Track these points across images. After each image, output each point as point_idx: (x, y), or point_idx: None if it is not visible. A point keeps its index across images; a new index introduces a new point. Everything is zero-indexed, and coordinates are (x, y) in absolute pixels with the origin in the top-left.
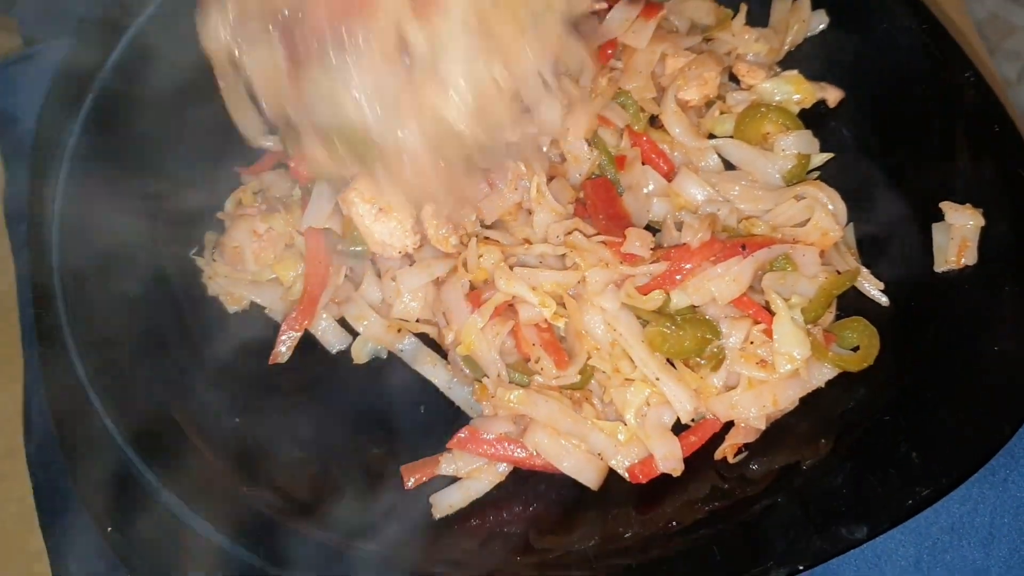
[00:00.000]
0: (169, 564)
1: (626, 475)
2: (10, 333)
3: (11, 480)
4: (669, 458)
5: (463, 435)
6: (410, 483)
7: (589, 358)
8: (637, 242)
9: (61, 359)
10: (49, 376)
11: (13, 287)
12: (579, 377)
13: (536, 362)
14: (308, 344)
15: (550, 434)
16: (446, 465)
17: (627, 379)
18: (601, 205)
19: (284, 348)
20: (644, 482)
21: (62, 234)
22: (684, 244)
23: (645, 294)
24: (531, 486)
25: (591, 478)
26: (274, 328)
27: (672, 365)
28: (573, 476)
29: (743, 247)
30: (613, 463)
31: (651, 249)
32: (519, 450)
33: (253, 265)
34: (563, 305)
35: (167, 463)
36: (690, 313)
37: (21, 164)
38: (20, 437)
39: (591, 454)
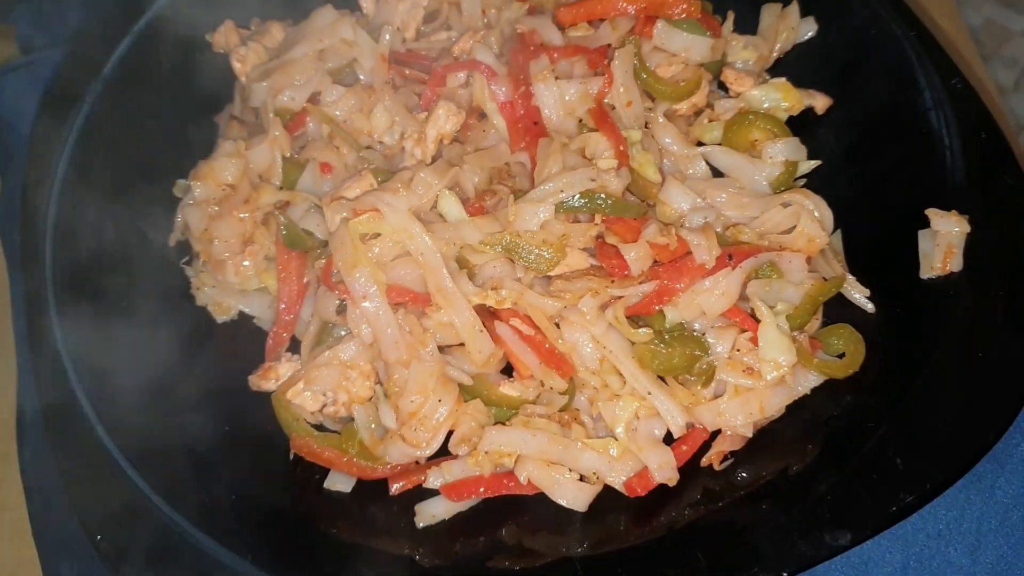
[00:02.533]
0: (159, 573)
1: (624, 490)
2: (3, 341)
3: (4, 487)
4: (664, 468)
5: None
6: (395, 489)
7: (576, 372)
8: (632, 254)
9: (54, 367)
10: (42, 384)
11: (7, 295)
12: (566, 399)
13: (530, 377)
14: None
15: (540, 465)
16: (433, 479)
17: (615, 394)
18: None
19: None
20: (643, 495)
21: (55, 243)
22: (674, 262)
23: (636, 313)
24: (521, 496)
25: (581, 503)
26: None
27: (663, 380)
28: (564, 504)
29: (730, 257)
30: (610, 480)
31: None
32: (512, 483)
33: (234, 277)
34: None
35: (158, 471)
36: (679, 329)
37: (16, 172)
38: (13, 444)
39: (580, 482)
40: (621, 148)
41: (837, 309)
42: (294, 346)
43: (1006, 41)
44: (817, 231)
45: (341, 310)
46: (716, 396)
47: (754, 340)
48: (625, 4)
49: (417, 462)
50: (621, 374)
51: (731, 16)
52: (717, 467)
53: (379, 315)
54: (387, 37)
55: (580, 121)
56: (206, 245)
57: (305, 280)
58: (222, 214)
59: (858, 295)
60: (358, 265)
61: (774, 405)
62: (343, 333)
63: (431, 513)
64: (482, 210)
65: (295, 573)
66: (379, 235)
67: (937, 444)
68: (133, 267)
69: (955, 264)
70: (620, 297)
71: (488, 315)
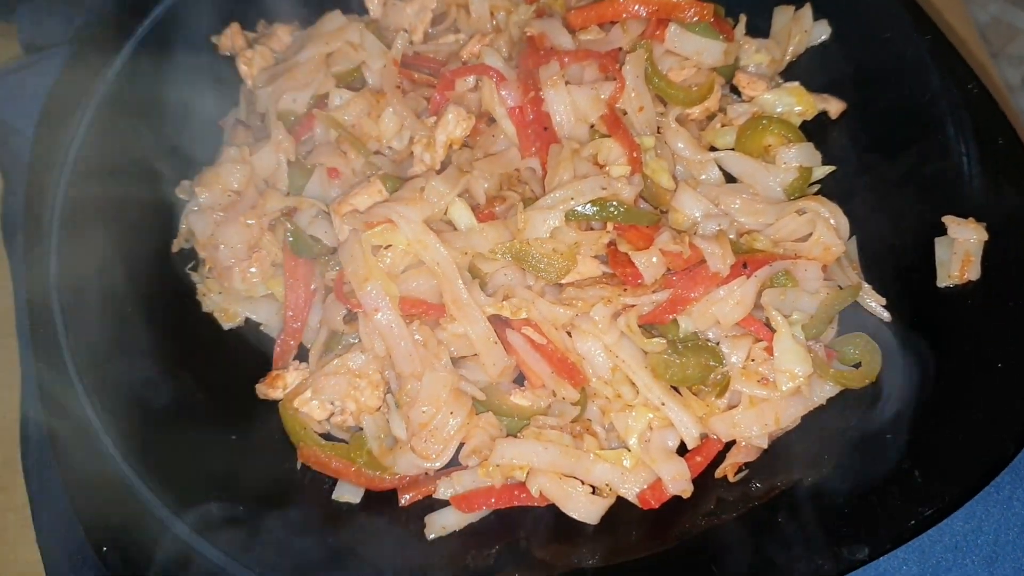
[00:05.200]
0: None
1: (637, 502)
2: (8, 345)
3: (8, 491)
4: (678, 479)
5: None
6: (404, 500)
7: (588, 382)
8: (645, 262)
9: (58, 372)
10: (46, 389)
11: (11, 299)
12: (578, 409)
13: (541, 387)
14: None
15: (552, 477)
16: (444, 489)
17: (628, 404)
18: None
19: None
20: (656, 507)
21: (60, 246)
22: (689, 270)
23: (649, 322)
24: (531, 507)
25: (593, 516)
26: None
27: (677, 391)
28: (576, 517)
29: (744, 265)
30: (623, 491)
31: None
32: (523, 494)
33: (240, 284)
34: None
35: (163, 480)
36: (693, 339)
37: (19, 174)
38: (17, 448)
39: (591, 495)
40: (635, 155)
41: (853, 318)
42: (302, 353)
43: (1013, 39)
44: (833, 239)
45: (349, 319)
46: (731, 406)
47: (769, 350)
48: (637, 7)
49: (427, 473)
50: (634, 384)
51: (743, 19)
52: (732, 479)
53: (392, 328)
54: (399, 44)
55: (592, 127)
56: (211, 252)
57: (312, 287)
58: (228, 220)
59: (874, 304)
60: (370, 278)
61: (789, 416)
62: (353, 341)
63: (441, 524)
64: (492, 216)
65: None
66: (390, 245)
67: (955, 456)
68: (138, 272)
69: (973, 272)
70: (633, 306)
71: (500, 323)
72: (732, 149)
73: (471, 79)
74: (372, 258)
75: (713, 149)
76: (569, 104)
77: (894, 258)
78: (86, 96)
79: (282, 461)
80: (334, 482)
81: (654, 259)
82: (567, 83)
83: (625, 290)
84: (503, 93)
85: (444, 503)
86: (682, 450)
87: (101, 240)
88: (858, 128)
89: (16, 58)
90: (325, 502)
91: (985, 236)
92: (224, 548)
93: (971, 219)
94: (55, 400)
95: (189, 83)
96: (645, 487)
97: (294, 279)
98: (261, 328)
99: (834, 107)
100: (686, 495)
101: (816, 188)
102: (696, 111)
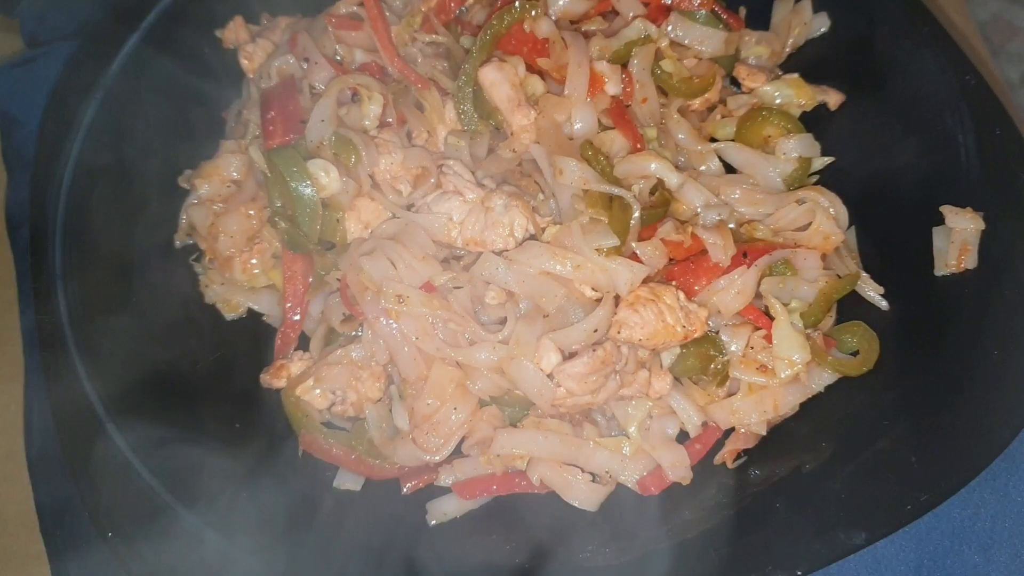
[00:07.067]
0: (169, 569)
1: (637, 489)
2: (12, 337)
3: (11, 483)
4: (677, 466)
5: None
6: (406, 488)
7: None
8: (648, 251)
9: (63, 363)
10: (51, 380)
11: (15, 291)
12: None
13: None
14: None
15: (551, 466)
16: (445, 476)
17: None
18: None
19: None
20: (656, 493)
21: (64, 239)
22: (690, 261)
23: None
24: (532, 495)
25: (592, 504)
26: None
27: (677, 380)
28: (576, 505)
29: (745, 255)
30: (623, 479)
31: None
32: (524, 482)
33: (240, 275)
34: None
35: (169, 468)
36: None
37: (24, 169)
38: (21, 440)
39: (591, 483)
40: (638, 146)
41: (851, 306)
42: (306, 343)
43: (1012, 37)
44: (832, 228)
45: (347, 319)
46: (730, 394)
47: (768, 338)
48: None
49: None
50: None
51: (743, 12)
52: (731, 465)
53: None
54: None
55: None
56: (212, 242)
57: (310, 279)
58: (228, 210)
59: (872, 292)
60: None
61: (788, 403)
62: (355, 332)
63: (443, 511)
64: None
65: (305, 571)
66: None
67: (952, 443)
68: (142, 263)
69: (970, 261)
70: None
71: None
72: (732, 140)
73: None
74: None
75: (713, 140)
76: None
77: (892, 247)
78: (91, 89)
79: (284, 449)
80: (336, 471)
81: (656, 249)
82: None
83: None
84: None
85: (445, 490)
86: (681, 437)
87: (105, 231)
88: (857, 119)
89: (19, 52)
90: (326, 490)
91: (982, 225)
92: (228, 534)
93: (968, 208)
94: (59, 391)
95: (193, 76)
96: (645, 474)
97: (292, 272)
98: (264, 319)
99: (833, 98)
100: (685, 482)
101: (815, 179)
102: (697, 102)
